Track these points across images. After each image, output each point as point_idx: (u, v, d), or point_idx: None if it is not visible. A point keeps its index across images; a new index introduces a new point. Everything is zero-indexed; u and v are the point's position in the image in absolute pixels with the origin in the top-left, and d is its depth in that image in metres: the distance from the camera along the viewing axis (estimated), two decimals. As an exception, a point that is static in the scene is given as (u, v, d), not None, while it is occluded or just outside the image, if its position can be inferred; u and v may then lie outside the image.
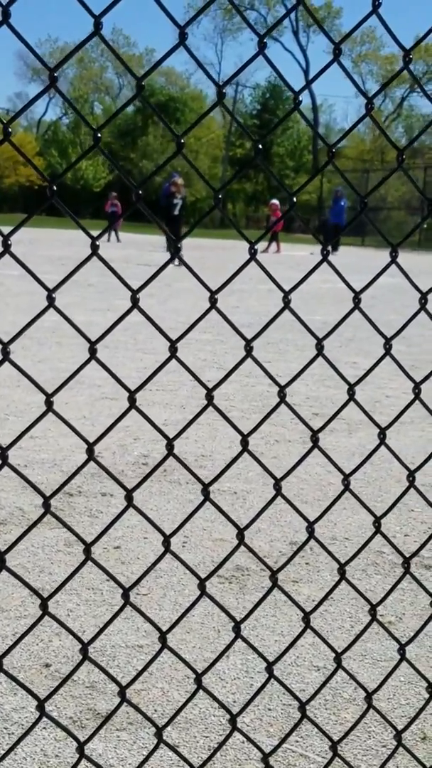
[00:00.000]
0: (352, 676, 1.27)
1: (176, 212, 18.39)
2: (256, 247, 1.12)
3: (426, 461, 1.28)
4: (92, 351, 0.98)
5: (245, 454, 1.19)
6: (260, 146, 1.07)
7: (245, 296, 10.81)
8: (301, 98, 1.11)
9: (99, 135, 0.94)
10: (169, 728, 1.90)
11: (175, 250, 1.09)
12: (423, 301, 1.14)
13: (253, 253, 1.10)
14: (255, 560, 2.83)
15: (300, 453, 4.01)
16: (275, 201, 26.06)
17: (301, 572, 2.81)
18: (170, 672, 2.14)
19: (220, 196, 1.09)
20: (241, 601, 2.55)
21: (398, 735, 1.25)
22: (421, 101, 64.27)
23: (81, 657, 1.11)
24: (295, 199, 1.16)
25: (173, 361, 1.06)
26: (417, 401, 1.22)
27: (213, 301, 1.07)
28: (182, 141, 1.01)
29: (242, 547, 3.10)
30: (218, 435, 4.44)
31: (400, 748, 1.36)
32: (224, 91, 1.05)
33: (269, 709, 2.01)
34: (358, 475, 3.84)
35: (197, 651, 2.26)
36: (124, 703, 1.18)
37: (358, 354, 6.95)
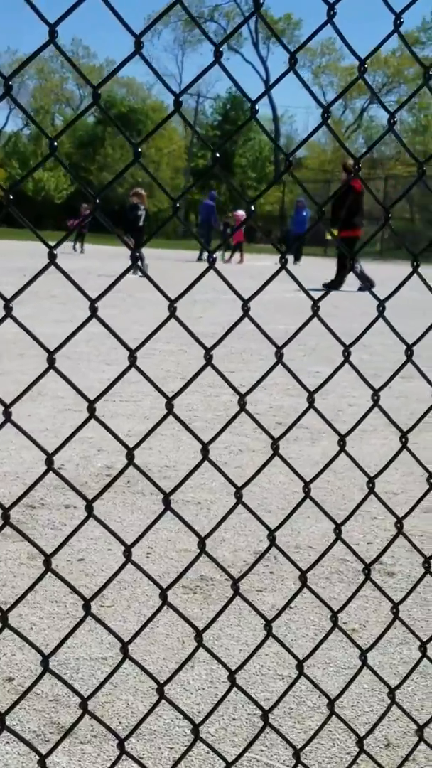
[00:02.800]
0: (315, 684, 1.28)
1: (141, 223, 18.37)
2: (214, 255, 1.12)
3: (385, 468, 1.29)
4: (50, 361, 0.98)
5: (210, 465, 1.19)
6: (217, 155, 1.07)
7: (209, 306, 10.82)
8: (258, 107, 1.12)
9: (55, 144, 0.94)
10: (133, 740, 1.89)
11: (133, 260, 1.09)
12: (381, 308, 1.15)
13: (211, 262, 1.11)
14: (219, 570, 2.83)
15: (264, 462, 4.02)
16: (240, 212, 26.15)
17: (265, 581, 2.81)
18: (135, 684, 2.13)
19: (177, 205, 1.09)
20: (205, 612, 2.55)
21: (360, 741, 1.25)
22: (382, 112, 64.87)
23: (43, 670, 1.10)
24: (253, 208, 1.17)
25: (137, 372, 1.06)
26: (377, 409, 1.23)
27: (172, 310, 1.08)
28: (139, 150, 1.01)
29: (207, 558, 3.10)
30: (182, 446, 4.44)
31: (363, 755, 1.37)
32: (181, 100, 1.06)
33: (234, 719, 2.01)
34: (321, 484, 3.86)
35: (162, 662, 2.25)
36: (89, 716, 1.17)
37: (321, 363, 6.98)
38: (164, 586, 1.18)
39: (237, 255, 27.53)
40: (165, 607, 1.31)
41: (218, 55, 1.07)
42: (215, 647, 2.35)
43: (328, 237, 18.00)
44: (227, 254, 27.61)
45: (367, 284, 15.10)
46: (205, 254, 26.93)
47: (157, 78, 1.07)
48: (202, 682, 2.17)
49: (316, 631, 2.48)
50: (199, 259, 26.60)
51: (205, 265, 1.08)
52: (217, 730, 1.96)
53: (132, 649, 2.30)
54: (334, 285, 15.68)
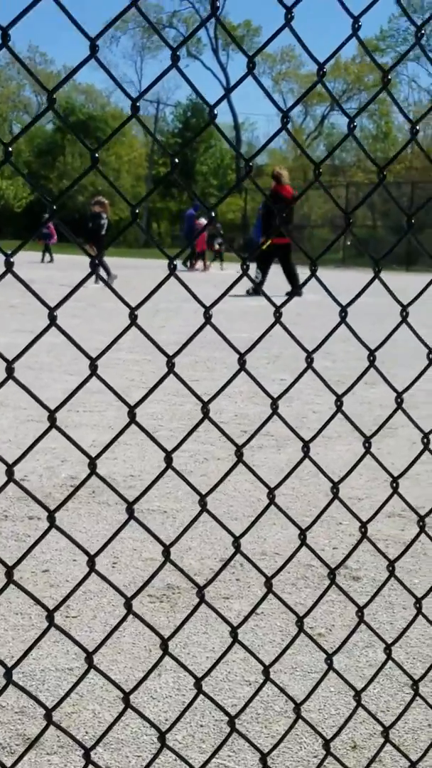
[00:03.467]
0: (281, 689, 1.29)
1: (103, 232, 18.33)
2: (175, 262, 1.14)
3: (349, 473, 1.31)
4: (9, 371, 0.99)
5: (175, 474, 1.20)
6: (176, 160, 1.08)
7: (171, 315, 10.83)
8: (217, 113, 1.13)
9: (10, 150, 0.94)
10: (100, 749, 1.89)
11: (93, 268, 1.09)
12: (343, 314, 1.17)
13: (172, 269, 1.12)
14: (186, 579, 2.83)
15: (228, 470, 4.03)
16: (201, 220, 26.19)
17: (231, 588, 2.82)
18: (101, 693, 2.13)
19: (137, 211, 1.10)
20: (172, 620, 2.56)
21: (327, 744, 1.27)
22: (342, 119, 65.27)
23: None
24: (214, 214, 1.18)
25: (100, 381, 1.07)
26: (341, 415, 1.25)
27: (132, 318, 1.09)
28: (96, 156, 1.02)
29: (173, 566, 3.10)
30: (147, 455, 4.45)
31: (330, 758, 1.38)
32: (139, 105, 1.07)
33: (201, 725, 2.02)
34: (286, 491, 3.88)
35: (128, 671, 2.25)
36: (54, 727, 1.17)
37: (285, 370, 7.01)
38: (129, 596, 1.19)
39: (200, 263, 27.59)
40: (131, 616, 1.32)
41: (175, 59, 1.08)
42: (182, 655, 2.36)
43: (264, 248, 18.21)
44: (201, 263, 27.64)
45: (255, 290, 15.66)
46: (189, 263, 27.10)
47: (114, 83, 1.08)
48: (170, 690, 2.17)
49: (283, 636, 2.50)
50: (185, 264, 26.80)
51: (133, 275, 1.09)
52: (184, 737, 1.97)
53: (98, 659, 2.30)
54: (294, 292, 15.96)
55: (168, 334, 8.98)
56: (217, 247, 28.46)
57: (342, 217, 1.27)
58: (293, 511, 3.63)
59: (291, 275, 16.68)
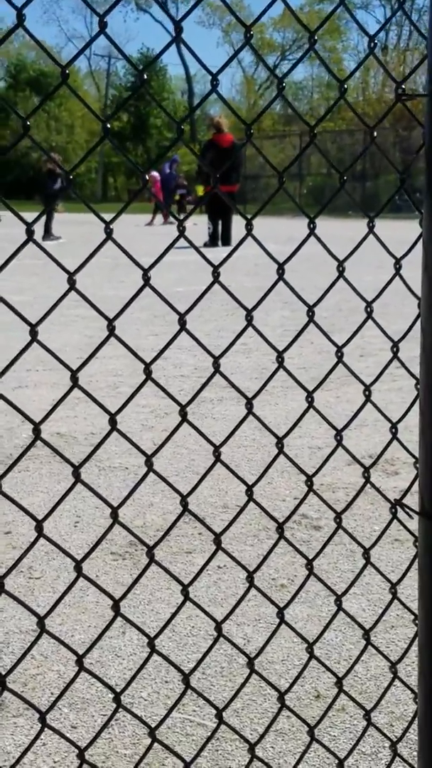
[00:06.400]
0: (234, 644, 1.28)
1: (57, 186, 18.05)
2: (111, 227, 1.10)
3: (290, 431, 1.30)
4: None
5: (137, 430, 1.18)
6: (107, 125, 1.04)
7: (132, 270, 10.71)
8: (219, 80, 1.09)
9: None
10: (66, 709, 1.89)
11: (46, 228, 1.06)
12: (280, 271, 1.15)
13: (109, 233, 1.08)
14: (148, 535, 2.83)
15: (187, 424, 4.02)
16: (154, 173, 25.90)
17: (194, 542, 2.82)
18: (66, 654, 2.13)
19: (71, 177, 1.07)
20: (135, 577, 2.55)
21: (281, 697, 1.27)
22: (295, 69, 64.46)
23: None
24: (149, 175, 1.15)
25: (63, 339, 1.04)
26: (303, 365, 1.23)
27: (71, 282, 1.06)
28: (108, 126, 0.98)
29: (136, 522, 3.06)
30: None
31: (287, 710, 1.38)
32: (91, 61, 1.03)
33: (166, 681, 2.02)
34: (247, 443, 3.88)
35: (92, 630, 2.24)
36: (10, 692, 1.16)
37: (245, 323, 6.98)
38: (91, 555, 1.17)
39: (159, 216, 27.39)
40: (93, 575, 1.31)
41: (178, 30, 1.04)
42: (146, 612, 2.36)
43: (200, 194, 18.06)
44: (148, 216, 27.37)
45: (211, 242, 16.25)
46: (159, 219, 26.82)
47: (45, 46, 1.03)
48: (134, 648, 2.17)
49: (245, 589, 2.50)
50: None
51: (94, 231, 1.05)
52: (149, 694, 1.97)
53: (61, 619, 2.29)
54: (212, 242, 16.30)
55: (127, 288, 8.90)
56: (178, 197, 28.23)
57: (296, 167, 1.25)
58: (254, 462, 3.63)
59: (226, 224, 16.78)
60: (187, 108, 58.90)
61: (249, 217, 1.12)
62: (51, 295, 8.09)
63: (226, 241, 16.68)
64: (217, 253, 13.25)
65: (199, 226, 18.02)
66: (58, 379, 5.11)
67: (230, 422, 4.20)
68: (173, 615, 1.21)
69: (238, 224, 16.49)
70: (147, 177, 1.10)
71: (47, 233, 17.12)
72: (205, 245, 15.89)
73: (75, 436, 3.95)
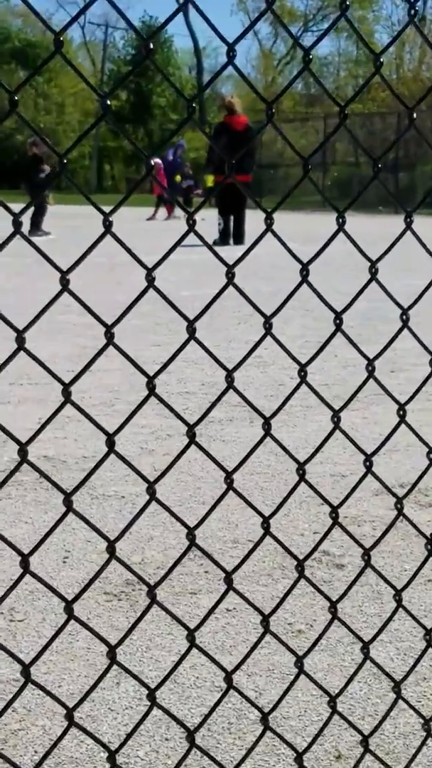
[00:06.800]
0: (245, 697, 1.30)
1: (43, 176, 18.06)
2: (111, 219, 1.12)
3: (314, 454, 1.32)
4: None
5: (135, 454, 1.20)
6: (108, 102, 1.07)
7: (130, 270, 10.77)
8: (236, 51, 1.11)
9: None
10: (52, 771, 1.90)
11: (33, 222, 1.08)
12: (304, 273, 1.17)
13: (108, 226, 1.11)
14: (148, 573, 2.85)
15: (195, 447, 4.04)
16: (157, 160, 26.03)
17: (200, 582, 2.84)
18: (52, 707, 2.14)
19: (65, 161, 1.09)
20: (132, 620, 2.56)
21: (299, 757, 1.28)
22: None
23: None
24: (154, 161, 1.17)
25: (51, 348, 1.06)
26: (324, 381, 1.25)
27: (64, 283, 1.08)
28: (108, 102, 1.00)
29: (134, 558, 3.09)
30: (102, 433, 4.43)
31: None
32: (85, 31, 1.06)
33: (166, 739, 2.03)
34: (261, 469, 3.89)
35: (83, 680, 2.26)
36: (2, 747, 1.18)
37: (260, 331, 6.99)
38: (83, 595, 1.19)
39: (163, 210, 27.49)
40: (87, 617, 1.33)
41: None
42: (144, 660, 2.37)
43: (209, 185, 17.92)
44: (150, 210, 27.48)
45: (221, 239, 16.28)
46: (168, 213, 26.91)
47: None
48: (130, 700, 2.19)
49: (258, 635, 2.51)
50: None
51: (85, 225, 1.08)
52: (147, 753, 1.98)
53: (47, 667, 2.31)
54: (234, 242, 16.34)
55: (124, 292, 8.94)
56: (179, 179, 28.37)
57: (320, 155, 1.27)
58: (269, 491, 3.65)
59: (239, 220, 16.77)
60: (195, 86, 59.18)
61: (269, 210, 1.14)
62: (38, 298, 8.11)
63: (239, 239, 16.70)
64: (228, 253, 13.29)
65: (207, 221, 18.08)
66: (46, 394, 5.14)
67: (241, 445, 4.22)
68: (177, 664, 1.23)
69: (251, 220, 16.54)
70: (153, 163, 1.13)
71: (35, 227, 17.12)
72: (215, 243, 15.93)
73: (64, 460, 3.98)
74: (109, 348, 1.13)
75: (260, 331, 1.24)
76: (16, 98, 1.01)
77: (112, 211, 1.09)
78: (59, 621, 2.55)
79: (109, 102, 1.08)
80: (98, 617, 2.59)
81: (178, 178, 28.06)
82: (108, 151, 60.63)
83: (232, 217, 16.82)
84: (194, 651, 1.28)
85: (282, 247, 1.21)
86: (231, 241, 16.66)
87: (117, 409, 4.85)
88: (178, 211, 28.49)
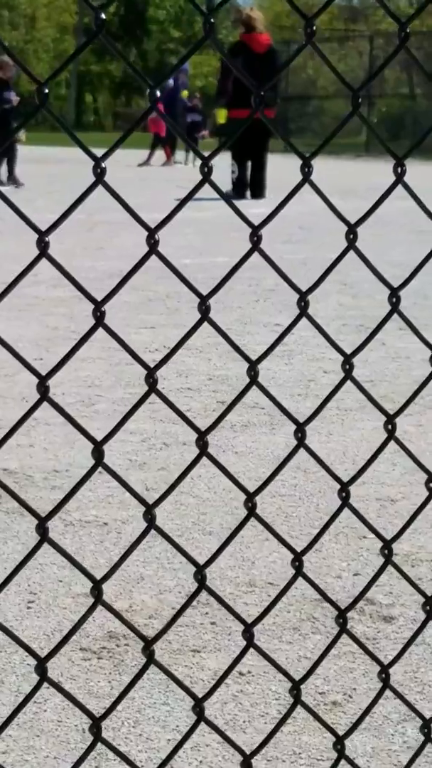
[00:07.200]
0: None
1: (7, 107, 17.92)
2: (103, 165, 1.11)
3: (362, 471, 1.30)
4: None
5: (120, 469, 1.19)
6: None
7: (115, 230, 10.73)
8: None
9: None
10: None
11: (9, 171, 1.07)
12: (352, 236, 1.16)
13: (99, 174, 1.09)
14: (137, 622, 2.84)
15: (200, 461, 4.02)
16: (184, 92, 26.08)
17: (205, 636, 2.82)
18: (13, 796, 2.13)
19: (46, 91, 1.08)
20: (116, 685, 2.55)
21: None
22: None
23: None
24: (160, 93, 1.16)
25: (15, 330, 1.05)
26: (362, 379, 1.23)
27: (42, 247, 1.07)
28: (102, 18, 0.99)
29: (119, 604, 3.10)
30: (78, 440, 4.41)
31: None
32: None
33: None
34: (286, 490, 3.88)
35: (52, 762, 2.25)
36: None
37: (282, 311, 6.94)
38: (45, 652, 1.18)
39: (159, 153, 27.48)
40: (57, 679, 1.31)
41: None
42: (131, 736, 2.36)
43: (221, 121, 17.84)
44: (145, 154, 27.52)
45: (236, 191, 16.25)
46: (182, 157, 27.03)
47: None
48: (115, 789, 2.18)
49: (281, 707, 2.50)
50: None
51: (58, 172, 1.06)
52: None
53: (6, 745, 2.30)
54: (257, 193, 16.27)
55: (108, 259, 8.91)
56: (189, 121, 28.43)
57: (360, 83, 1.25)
58: (295, 518, 3.63)
59: (259, 167, 16.64)
60: (202, -5, 59.07)
61: (307, 155, 1.13)
62: (3, 266, 8.14)
63: (258, 192, 16.61)
64: (245, 209, 13.31)
65: (217, 168, 18.07)
66: (8, 389, 5.12)
67: (259, 459, 4.20)
68: (179, 745, 1.21)
69: (271, 167, 16.51)
70: (158, 93, 1.12)
71: (9, 177, 16.89)
72: (228, 196, 15.88)
73: (30, 475, 3.96)
74: (84, 329, 1.12)
75: (282, 310, 1.24)
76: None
77: (105, 156, 1.08)
78: (22, 684, 2.54)
79: (104, 16, 1.07)
80: (72, 680, 2.57)
81: (185, 93, 28.10)
82: (90, 77, 60.54)
83: (249, 164, 16.69)
84: (199, 728, 1.27)
85: (310, 205, 1.20)
86: (248, 193, 16.56)
87: (98, 409, 4.83)
88: (179, 155, 28.51)
